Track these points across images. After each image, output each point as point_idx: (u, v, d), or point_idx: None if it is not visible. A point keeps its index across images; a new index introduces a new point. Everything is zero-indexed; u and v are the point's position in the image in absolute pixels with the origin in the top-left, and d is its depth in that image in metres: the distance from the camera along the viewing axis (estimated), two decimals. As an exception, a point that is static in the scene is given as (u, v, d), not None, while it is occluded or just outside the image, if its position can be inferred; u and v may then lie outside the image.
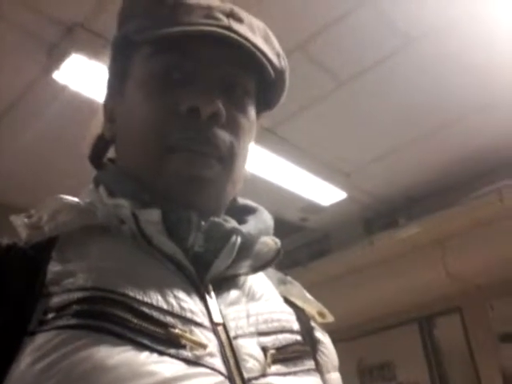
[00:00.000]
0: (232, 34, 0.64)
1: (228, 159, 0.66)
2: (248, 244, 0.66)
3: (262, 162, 3.36)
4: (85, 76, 2.46)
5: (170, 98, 0.65)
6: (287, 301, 0.75)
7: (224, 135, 0.65)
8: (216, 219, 0.64)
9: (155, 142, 0.64)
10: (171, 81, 0.66)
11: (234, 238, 0.64)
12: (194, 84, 0.65)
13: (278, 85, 0.74)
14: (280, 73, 0.73)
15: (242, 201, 0.77)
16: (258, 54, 0.66)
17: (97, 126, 0.77)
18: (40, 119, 2.80)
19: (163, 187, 0.64)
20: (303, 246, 4.65)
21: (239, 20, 0.68)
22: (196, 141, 0.64)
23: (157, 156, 0.64)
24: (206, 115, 0.63)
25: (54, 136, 2.89)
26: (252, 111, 0.72)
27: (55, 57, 2.42)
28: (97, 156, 0.77)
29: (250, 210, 0.75)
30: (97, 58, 2.34)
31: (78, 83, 2.54)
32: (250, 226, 0.68)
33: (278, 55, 0.73)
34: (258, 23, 0.72)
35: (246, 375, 0.56)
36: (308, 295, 0.79)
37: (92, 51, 2.33)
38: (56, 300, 0.54)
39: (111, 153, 0.77)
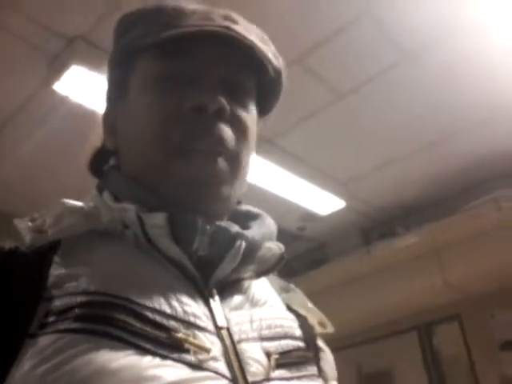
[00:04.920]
0: (231, 32, 0.65)
1: (234, 156, 0.67)
2: (252, 249, 0.66)
3: (260, 172, 3.37)
4: (85, 87, 2.47)
5: (172, 99, 0.66)
6: (290, 308, 0.74)
7: (229, 131, 0.66)
8: (222, 224, 0.64)
9: (160, 143, 0.64)
10: (173, 83, 0.66)
11: (238, 242, 0.63)
12: (196, 84, 0.66)
13: (276, 85, 0.75)
14: (278, 72, 0.73)
15: (244, 206, 0.78)
16: (257, 51, 0.67)
17: (95, 139, 0.77)
18: (40, 130, 2.80)
19: (170, 190, 0.64)
20: (301, 255, 4.63)
21: (235, 22, 0.69)
22: (202, 139, 0.64)
23: (163, 158, 0.64)
24: (211, 111, 0.64)
25: (55, 146, 2.90)
26: (254, 110, 0.72)
27: (56, 68, 2.44)
28: (97, 167, 0.76)
29: (252, 216, 0.75)
30: (97, 70, 2.35)
31: (78, 94, 2.55)
32: (254, 231, 0.68)
33: (275, 54, 0.74)
34: (253, 27, 0.73)
35: (250, 379, 0.56)
36: (310, 304, 0.79)
37: (92, 63, 2.35)
38: (57, 303, 0.53)
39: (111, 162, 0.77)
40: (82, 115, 2.44)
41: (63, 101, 2.60)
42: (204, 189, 0.64)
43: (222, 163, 0.65)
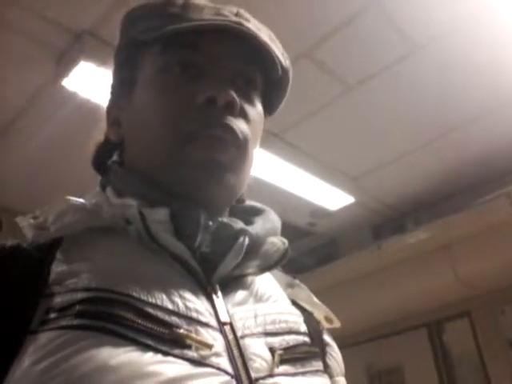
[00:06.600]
0: (243, 28, 0.67)
1: (243, 146, 0.67)
2: (255, 245, 0.66)
3: (269, 167, 3.36)
4: (93, 83, 2.47)
5: (184, 90, 0.66)
6: (295, 304, 0.75)
7: (239, 123, 0.67)
8: (224, 220, 0.65)
9: (175, 132, 0.65)
10: (183, 75, 0.67)
11: (241, 238, 0.64)
12: (207, 77, 0.67)
13: (283, 84, 0.76)
14: (285, 71, 0.74)
15: (249, 202, 0.78)
16: (268, 49, 0.68)
17: (100, 132, 0.77)
18: (49, 126, 2.81)
19: (181, 178, 0.65)
20: (311, 251, 4.63)
21: (247, 20, 0.70)
22: (214, 127, 0.65)
23: (177, 145, 0.65)
24: (222, 104, 0.65)
25: (63, 142, 2.90)
26: (260, 106, 0.73)
27: (64, 64, 2.44)
28: (101, 161, 0.77)
29: (257, 211, 0.75)
30: (105, 65, 2.35)
31: (86, 90, 2.55)
32: (258, 226, 0.69)
33: (283, 54, 0.75)
34: (261, 25, 0.74)
35: (253, 375, 0.56)
36: (315, 299, 0.79)
37: (101, 58, 2.35)
38: (59, 300, 0.54)
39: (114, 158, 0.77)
40: (90, 111, 2.43)
41: (72, 97, 2.60)
42: (211, 171, 0.65)
43: (231, 151, 0.66)
